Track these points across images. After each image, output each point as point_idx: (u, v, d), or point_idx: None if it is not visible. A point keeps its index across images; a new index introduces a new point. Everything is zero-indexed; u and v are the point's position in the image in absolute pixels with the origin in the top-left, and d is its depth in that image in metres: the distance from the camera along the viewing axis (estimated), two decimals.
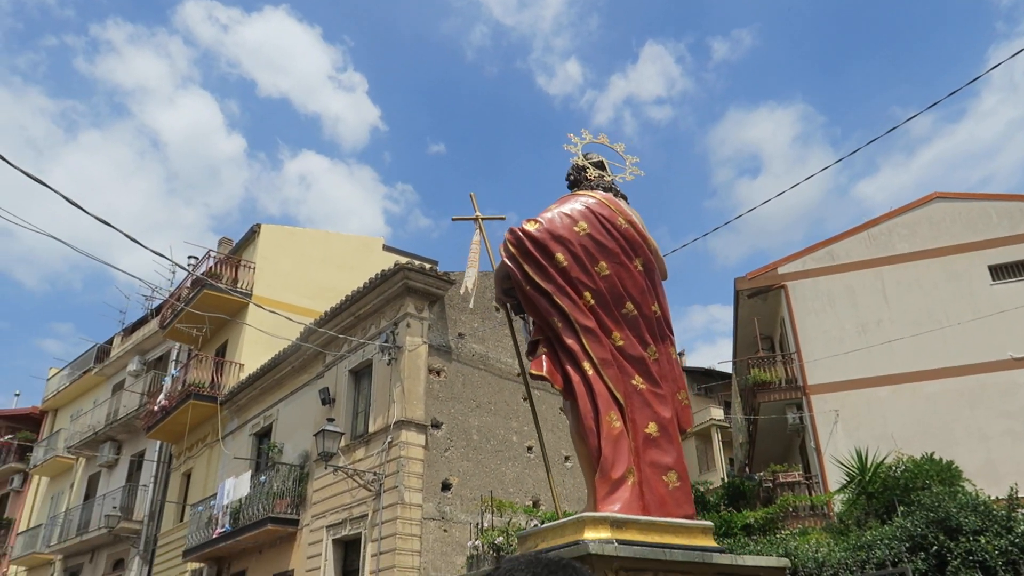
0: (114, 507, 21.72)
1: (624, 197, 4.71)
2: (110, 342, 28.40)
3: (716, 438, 31.47)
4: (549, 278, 4.19)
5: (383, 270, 14.55)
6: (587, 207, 4.40)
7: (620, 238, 4.35)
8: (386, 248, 24.26)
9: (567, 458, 15.66)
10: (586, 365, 4.06)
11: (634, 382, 4.15)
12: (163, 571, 19.82)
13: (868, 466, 10.08)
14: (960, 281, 17.69)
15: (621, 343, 4.17)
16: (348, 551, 13.98)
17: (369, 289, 14.66)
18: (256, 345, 19.39)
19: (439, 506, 13.11)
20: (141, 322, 26.94)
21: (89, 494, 24.86)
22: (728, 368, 27.70)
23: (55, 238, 8.70)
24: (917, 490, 8.76)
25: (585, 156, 4.92)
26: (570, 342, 4.10)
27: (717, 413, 31.77)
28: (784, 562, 4.11)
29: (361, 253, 23.31)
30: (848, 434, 16.46)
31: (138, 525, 21.35)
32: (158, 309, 24.71)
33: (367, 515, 13.24)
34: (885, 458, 10.38)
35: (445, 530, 13.07)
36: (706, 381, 33.53)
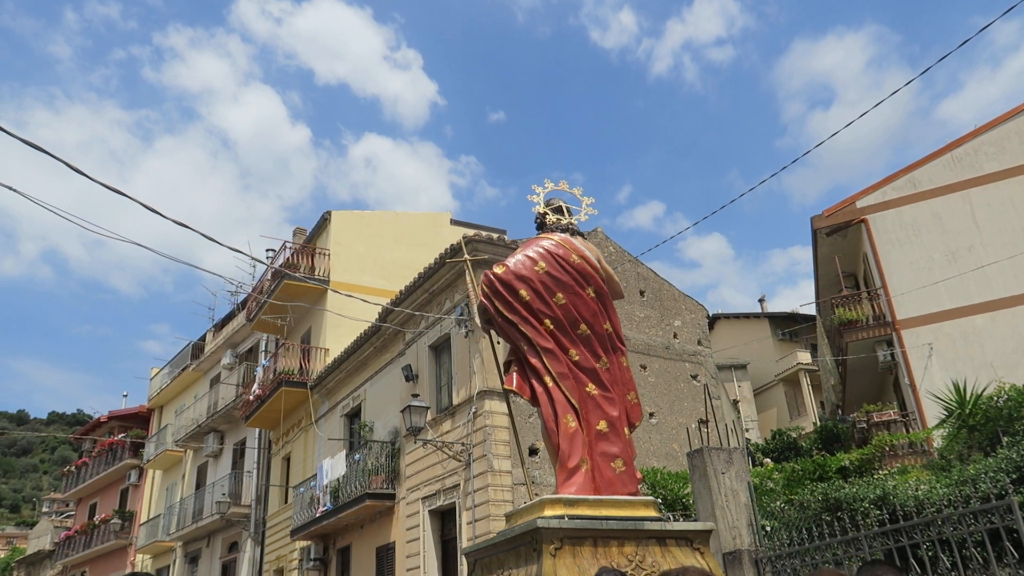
0: (223, 494, 22.88)
1: (581, 234, 5.69)
2: (203, 339, 29.70)
3: (805, 382, 30.77)
4: (515, 311, 5.10)
5: (451, 245, 14.66)
6: (545, 249, 5.33)
7: (574, 272, 5.25)
8: (453, 222, 24.46)
9: (651, 415, 15.62)
10: (547, 379, 4.96)
11: (588, 389, 5.05)
12: (274, 550, 20.82)
13: (967, 398, 9.67)
14: None
15: (577, 358, 5.08)
16: (444, 520, 14.35)
17: (439, 265, 14.81)
18: (338, 329, 19.95)
19: (529, 471, 13.27)
20: (229, 317, 28.05)
21: (200, 483, 26.26)
22: (812, 310, 26.94)
23: (140, 244, 9.11)
24: (1022, 419, 8.37)
25: (547, 203, 5.88)
26: (534, 361, 5.02)
27: (804, 357, 31.02)
28: (709, 525, 4.88)
29: (431, 230, 23.59)
30: (944, 367, 15.80)
31: (247, 509, 22.44)
32: (243, 303, 25.68)
33: (459, 484, 13.55)
34: (985, 388, 9.94)
35: (537, 494, 13.22)
36: (789, 325, 32.72)
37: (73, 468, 35.77)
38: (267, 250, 24.34)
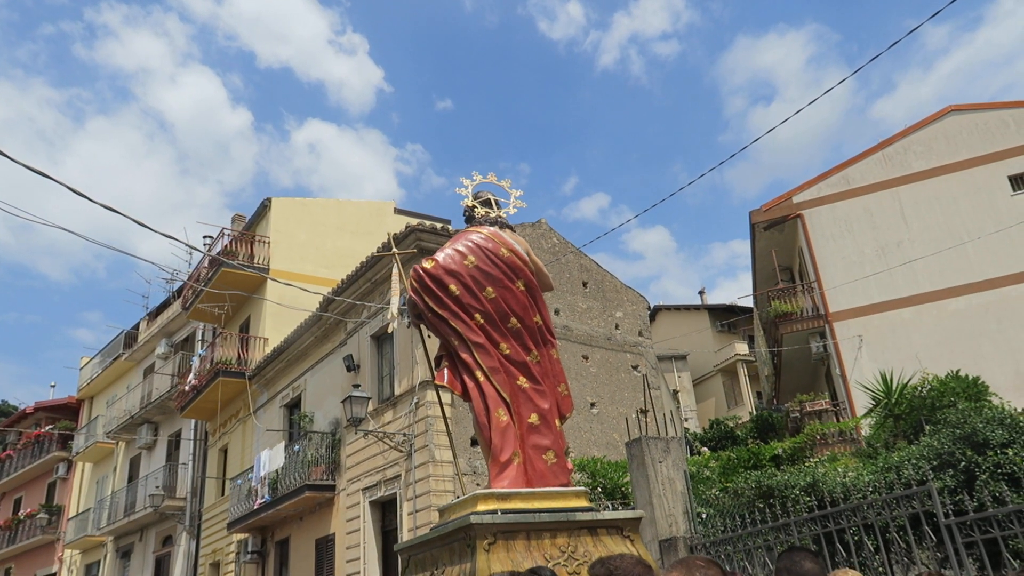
0: (157, 487, 22.29)
1: (510, 227, 5.63)
2: (137, 327, 28.80)
3: (742, 373, 31.53)
4: (445, 306, 5.08)
5: (394, 234, 14.51)
6: (474, 243, 5.29)
7: (503, 265, 5.24)
8: (397, 211, 24.22)
9: (592, 405, 15.79)
10: (478, 374, 4.97)
11: (519, 382, 5.06)
12: (210, 544, 20.40)
13: (893, 388, 10.04)
14: (980, 194, 17.35)
15: (507, 352, 5.10)
16: (385, 511, 14.27)
17: (381, 255, 14.62)
18: (278, 319, 19.59)
19: (470, 461, 13.30)
20: (164, 305, 27.26)
21: (132, 476, 25.51)
22: (749, 303, 27.60)
23: (68, 230, 8.73)
24: (943, 408, 8.72)
25: (475, 196, 5.83)
26: (465, 356, 5.02)
27: (742, 348, 31.77)
28: (639, 513, 4.96)
29: (374, 218, 23.32)
30: (873, 358, 16.39)
31: (182, 502, 21.92)
32: (179, 291, 24.99)
33: (400, 475, 13.48)
34: (911, 379, 10.33)
35: (478, 484, 13.26)
36: (728, 317, 33.47)
37: None
38: (204, 237, 23.73)
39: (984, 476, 6.25)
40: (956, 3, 7.56)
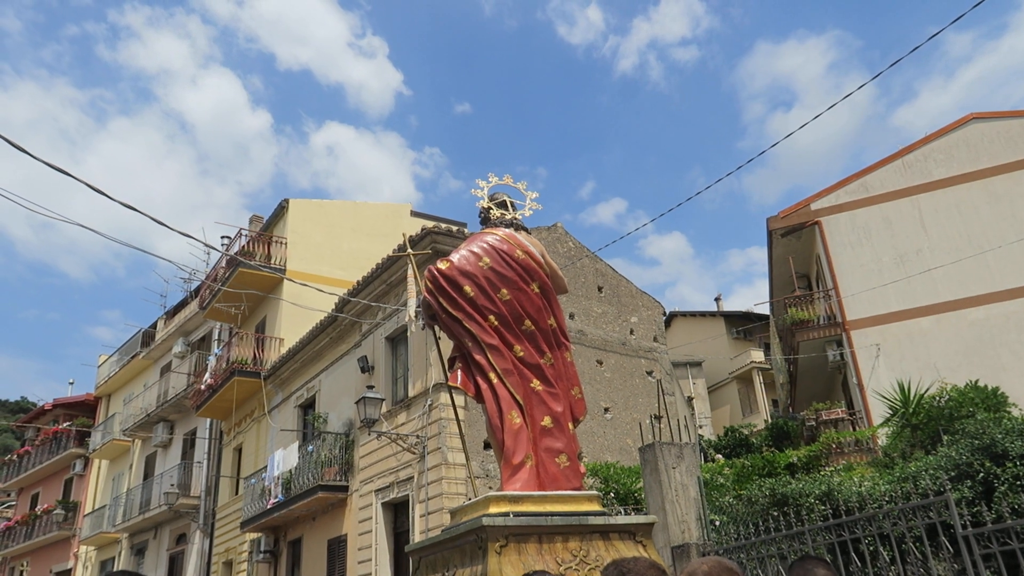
0: (172, 485, 22.44)
1: (525, 229, 5.65)
2: (154, 326, 29.05)
3: (758, 380, 31.32)
4: (459, 307, 5.07)
5: (410, 236, 14.55)
6: (489, 244, 5.29)
7: (518, 267, 5.23)
8: (414, 214, 24.31)
9: (606, 410, 15.74)
10: (492, 375, 4.96)
11: (532, 385, 5.06)
12: (223, 542, 20.51)
13: (911, 398, 9.95)
14: (1001, 203, 17.15)
15: (521, 354, 5.09)
16: (397, 513, 14.29)
17: (397, 257, 14.70)
18: (294, 319, 19.69)
19: (483, 464, 13.29)
20: (182, 304, 27.49)
21: (147, 473, 25.71)
22: (766, 310, 27.41)
23: (89, 228, 8.83)
24: (962, 418, 8.62)
25: (490, 198, 5.84)
26: (479, 358, 5.01)
27: (757, 355, 31.57)
28: (652, 518, 4.92)
29: (391, 220, 23.41)
30: (890, 367, 16.22)
31: (196, 500, 22.05)
32: (197, 291, 25.18)
33: (413, 477, 13.49)
34: (928, 389, 10.24)
35: (490, 487, 13.25)
36: (744, 324, 33.28)
37: (15, 457, 34.72)
38: (222, 237, 23.92)
39: (1003, 487, 6.17)
40: (980, 10, 7.50)
